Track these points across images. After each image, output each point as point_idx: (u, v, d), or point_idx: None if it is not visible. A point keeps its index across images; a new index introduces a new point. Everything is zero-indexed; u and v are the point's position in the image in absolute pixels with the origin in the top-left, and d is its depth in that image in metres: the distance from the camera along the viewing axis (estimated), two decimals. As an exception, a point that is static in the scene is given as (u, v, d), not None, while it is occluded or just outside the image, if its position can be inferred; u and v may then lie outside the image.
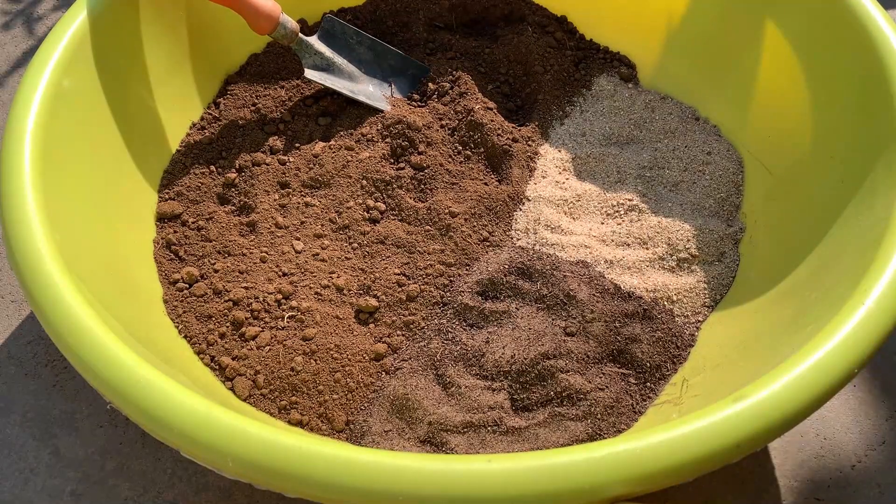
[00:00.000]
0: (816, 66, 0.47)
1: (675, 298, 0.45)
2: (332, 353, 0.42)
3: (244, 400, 0.41)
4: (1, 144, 0.40)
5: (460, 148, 0.52)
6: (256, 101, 0.55)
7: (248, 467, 0.30)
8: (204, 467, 0.32)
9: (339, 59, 0.54)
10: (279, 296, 0.44)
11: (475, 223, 0.48)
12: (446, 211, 0.48)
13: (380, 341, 0.43)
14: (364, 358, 0.42)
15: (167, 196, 0.49)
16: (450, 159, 0.51)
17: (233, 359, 0.42)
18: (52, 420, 0.44)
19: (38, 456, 0.42)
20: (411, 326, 0.44)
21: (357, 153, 0.50)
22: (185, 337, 0.43)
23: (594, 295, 0.45)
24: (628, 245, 0.48)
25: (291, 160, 0.51)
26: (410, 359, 0.43)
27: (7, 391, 0.45)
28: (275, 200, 0.49)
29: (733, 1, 0.53)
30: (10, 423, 0.44)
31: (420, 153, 0.51)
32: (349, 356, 0.42)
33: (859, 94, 0.43)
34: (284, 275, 0.46)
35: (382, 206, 0.49)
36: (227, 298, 0.45)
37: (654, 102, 0.57)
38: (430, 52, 0.58)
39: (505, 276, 0.46)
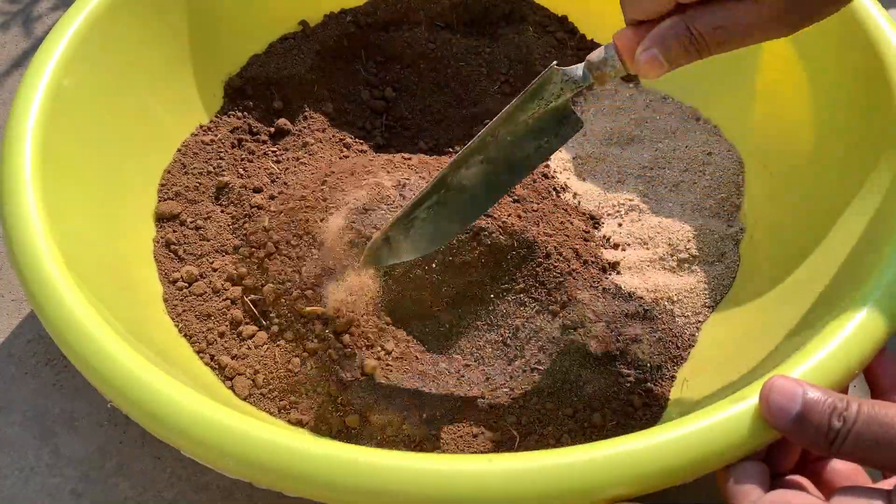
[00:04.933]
0: (817, 67, 0.47)
1: (675, 299, 0.45)
2: (331, 352, 0.42)
3: (244, 399, 0.41)
4: (1, 144, 0.40)
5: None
6: (257, 102, 0.55)
7: (249, 467, 0.30)
8: (204, 466, 0.32)
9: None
10: (278, 295, 0.44)
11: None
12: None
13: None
14: (364, 358, 0.42)
15: (166, 196, 0.49)
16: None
17: (232, 358, 0.42)
18: (53, 419, 0.44)
19: (38, 455, 0.42)
20: (411, 326, 0.44)
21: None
22: (185, 335, 0.43)
23: (595, 295, 0.45)
24: (628, 245, 0.48)
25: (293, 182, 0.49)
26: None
27: (7, 390, 0.45)
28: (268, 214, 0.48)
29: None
30: (9, 422, 0.44)
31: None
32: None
33: (860, 95, 0.43)
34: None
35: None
36: (224, 297, 0.45)
37: (654, 102, 0.57)
38: (431, 52, 0.58)
39: (505, 275, 0.46)
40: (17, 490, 0.41)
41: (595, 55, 0.36)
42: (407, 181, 0.45)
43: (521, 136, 0.38)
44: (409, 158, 0.49)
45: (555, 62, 0.37)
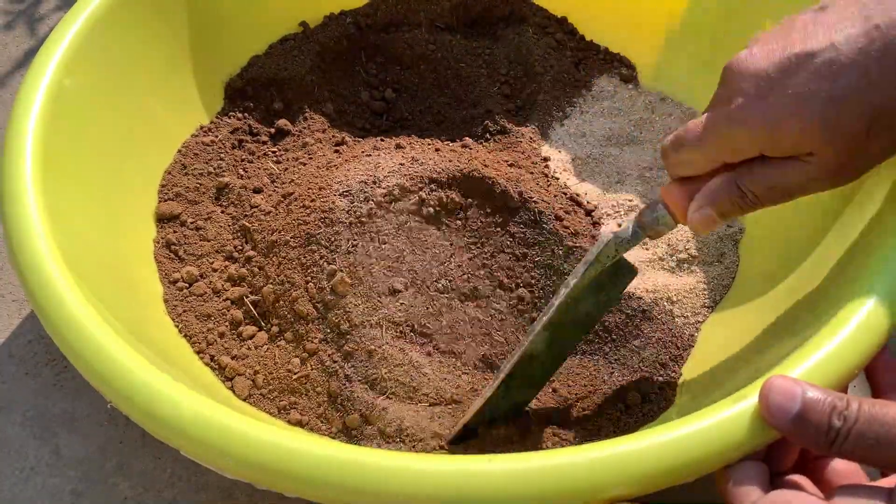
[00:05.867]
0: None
1: (675, 299, 0.45)
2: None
3: (244, 399, 0.41)
4: (2, 144, 0.40)
5: (461, 148, 0.52)
6: (257, 103, 0.55)
7: (249, 467, 0.30)
8: (204, 467, 0.32)
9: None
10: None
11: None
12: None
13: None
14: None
15: (166, 196, 0.49)
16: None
17: (232, 358, 0.42)
18: (53, 419, 0.44)
19: (39, 455, 0.42)
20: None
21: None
22: (185, 336, 0.43)
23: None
24: (628, 246, 0.48)
25: (293, 179, 0.50)
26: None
27: (7, 390, 0.45)
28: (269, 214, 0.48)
29: (733, 1, 0.53)
30: (10, 422, 0.44)
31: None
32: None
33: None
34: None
35: None
36: (224, 297, 0.45)
37: (654, 103, 0.57)
38: (431, 53, 0.58)
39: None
40: (17, 490, 0.41)
41: (646, 216, 0.36)
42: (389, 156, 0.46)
43: (580, 295, 0.38)
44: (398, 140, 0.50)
45: (611, 233, 0.36)
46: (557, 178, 0.51)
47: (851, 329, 0.32)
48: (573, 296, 0.37)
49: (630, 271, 0.39)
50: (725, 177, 0.32)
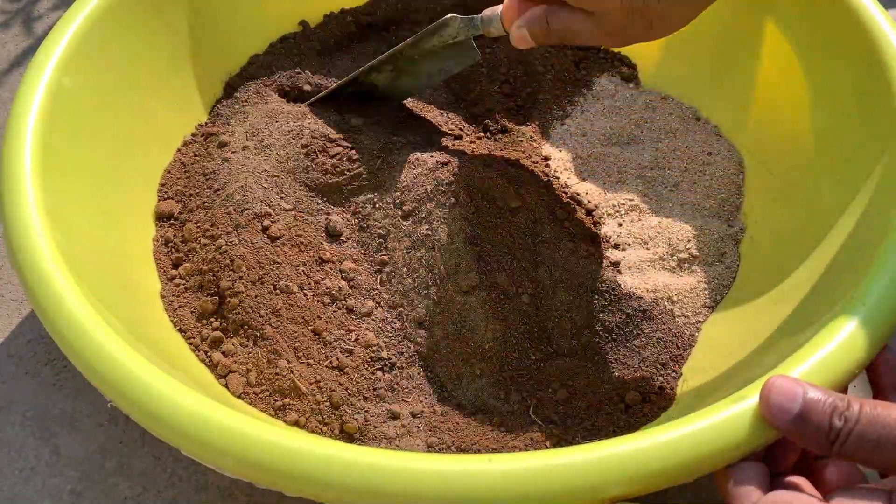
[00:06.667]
0: (817, 67, 0.47)
1: (675, 299, 0.45)
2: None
3: (238, 397, 0.41)
4: (1, 143, 0.40)
5: (461, 147, 0.52)
6: (257, 101, 0.55)
7: (249, 467, 0.30)
8: (204, 466, 0.32)
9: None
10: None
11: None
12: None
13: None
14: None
15: (166, 195, 0.49)
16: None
17: (224, 355, 0.42)
18: (53, 419, 0.44)
19: (38, 454, 0.42)
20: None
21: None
22: (181, 331, 0.43)
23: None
24: (629, 245, 0.48)
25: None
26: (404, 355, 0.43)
27: (7, 390, 0.45)
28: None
29: (734, 1, 0.53)
30: (10, 422, 0.44)
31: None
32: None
33: (860, 95, 0.43)
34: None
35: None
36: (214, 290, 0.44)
37: (654, 102, 0.57)
38: (431, 52, 0.58)
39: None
40: (17, 490, 0.41)
41: (487, 14, 0.44)
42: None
43: (426, 57, 0.47)
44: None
45: (450, 14, 0.45)
46: (558, 178, 0.51)
47: (852, 329, 0.32)
48: (419, 54, 0.47)
49: (473, 54, 0.47)
50: (543, 8, 0.40)
